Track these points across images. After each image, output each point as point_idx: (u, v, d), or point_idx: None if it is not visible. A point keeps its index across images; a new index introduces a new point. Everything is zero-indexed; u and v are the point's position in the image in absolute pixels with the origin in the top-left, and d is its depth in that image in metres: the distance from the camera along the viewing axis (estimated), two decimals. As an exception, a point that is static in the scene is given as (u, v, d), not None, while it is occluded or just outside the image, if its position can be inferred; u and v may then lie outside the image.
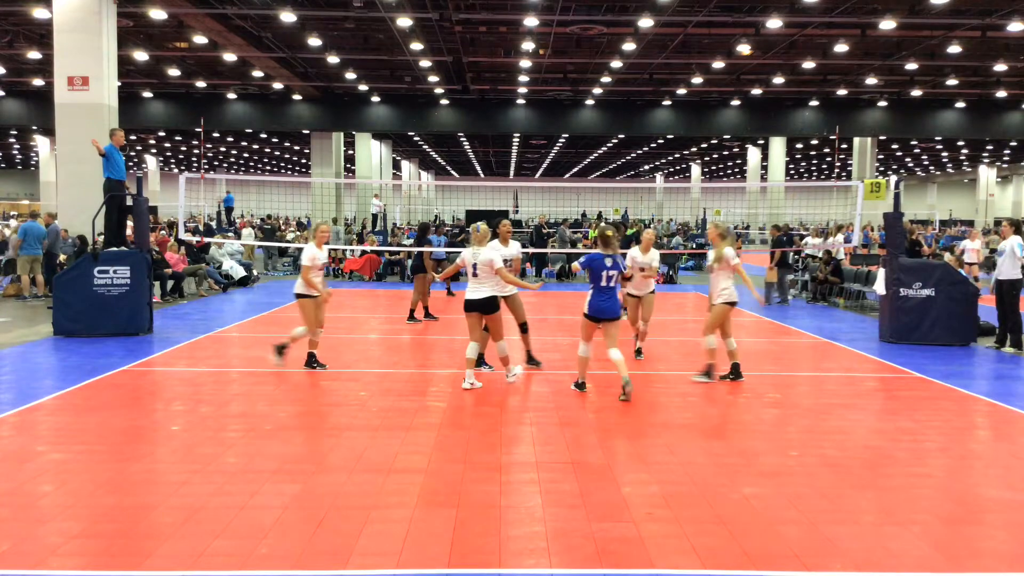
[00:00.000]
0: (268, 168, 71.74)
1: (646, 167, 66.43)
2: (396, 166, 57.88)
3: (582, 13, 20.57)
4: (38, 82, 29.14)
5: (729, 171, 68.16)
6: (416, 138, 46.02)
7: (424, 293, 14.03)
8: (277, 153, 59.45)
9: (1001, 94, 30.44)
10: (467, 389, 8.56)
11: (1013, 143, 44.25)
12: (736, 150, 49.70)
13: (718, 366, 9.20)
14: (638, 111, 33.35)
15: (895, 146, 49.58)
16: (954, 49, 22.95)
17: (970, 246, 21.02)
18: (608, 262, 8.23)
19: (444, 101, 32.57)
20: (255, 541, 4.62)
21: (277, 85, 30.23)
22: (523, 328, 9.81)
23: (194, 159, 62.37)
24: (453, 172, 74.49)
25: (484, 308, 8.67)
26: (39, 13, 19.65)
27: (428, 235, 15.80)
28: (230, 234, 29.21)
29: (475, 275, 8.70)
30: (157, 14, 19.70)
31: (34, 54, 24.54)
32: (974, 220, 58.25)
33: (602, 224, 8.21)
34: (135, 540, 4.66)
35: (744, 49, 23.47)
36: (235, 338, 12.37)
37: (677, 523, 4.98)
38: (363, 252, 23.06)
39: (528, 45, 23.34)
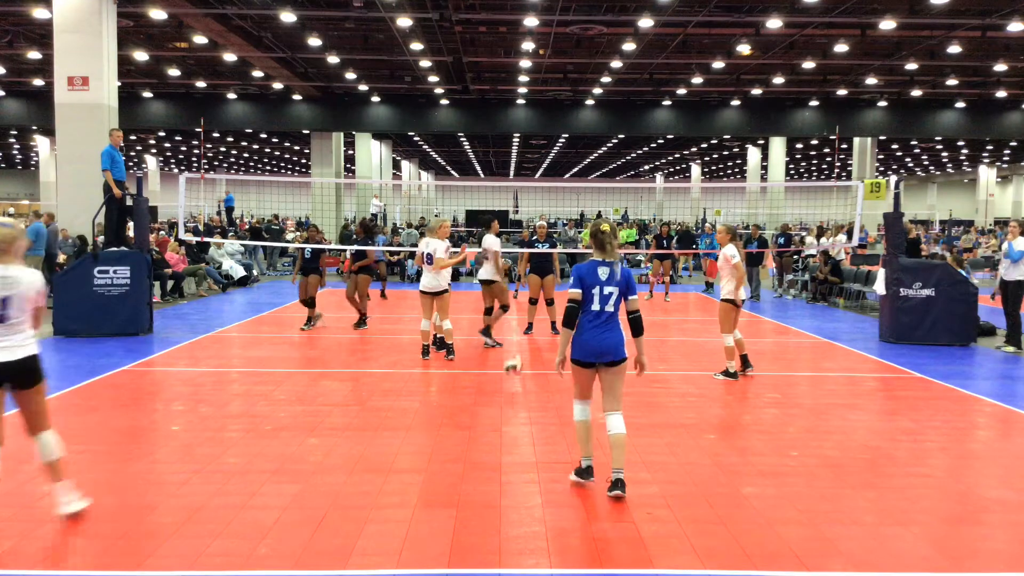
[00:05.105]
0: (268, 168, 71.73)
1: (646, 167, 66.41)
2: (396, 166, 57.85)
3: (582, 13, 20.56)
4: (38, 82, 29.12)
5: (729, 171, 68.13)
6: (416, 138, 46.00)
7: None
8: (277, 153, 59.44)
9: (1001, 94, 30.43)
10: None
11: (1013, 143, 44.21)
12: (736, 150, 49.67)
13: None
14: (638, 111, 33.33)
15: (895, 146, 49.56)
16: (954, 49, 22.94)
17: None
18: (603, 273, 5.51)
19: (444, 101, 32.55)
20: (255, 541, 4.62)
21: (277, 85, 30.22)
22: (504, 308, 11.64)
23: (194, 159, 62.35)
24: (453, 172, 74.48)
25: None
26: (39, 13, 19.64)
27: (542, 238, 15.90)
28: (231, 234, 29.22)
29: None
30: (157, 14, 19.69)
31: (34, 54, 24.53)
32: (974, 220, 58.23)
33: (596, 220, 6.65)
34: (135, 540, 4.66)
35: (744, 49, 23.46)
36: (235, 338, 12.37)
37: (677, 523, 4.98)
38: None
39: (528, 45, 23.33)
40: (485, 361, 10.48)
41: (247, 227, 33.21)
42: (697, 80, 28.35)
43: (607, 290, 5.47)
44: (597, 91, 30.88)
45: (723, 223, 9.95)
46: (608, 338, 5.46)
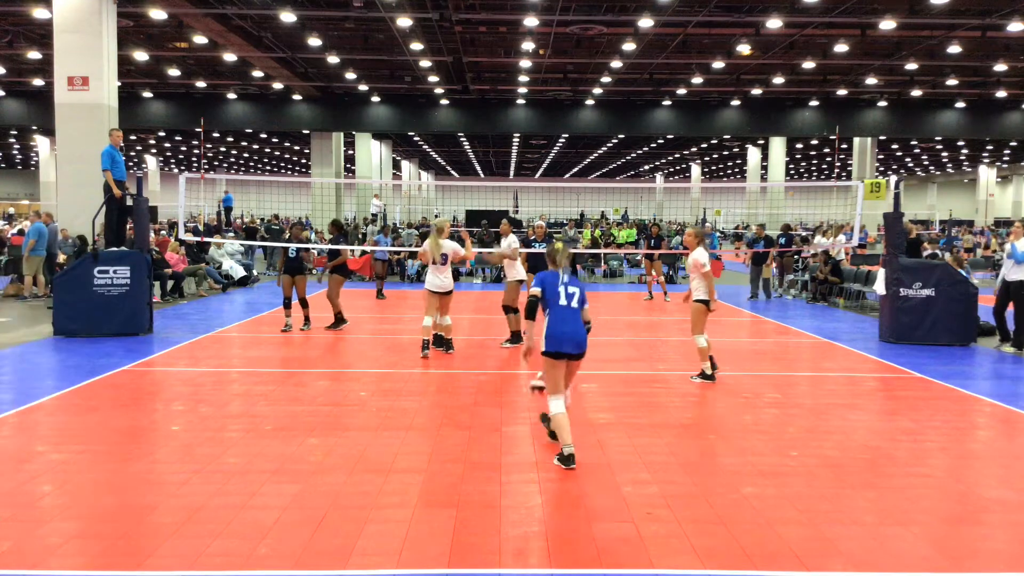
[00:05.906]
0: (268, 168, 71.75)
1: (646, 167, 66.45)
2: (396, 166, 57.86)
3: (582, 13, 20.57)
4: (38, 82, 29.14)
5: (729, 171, 68.18)
6: (416, 138, 46.03)
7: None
8: (277, 153, 59.46)
9: (1001, 94, 30.45)
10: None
11: (1013, 143, 44.25)
12: (736, 150, 49.70)
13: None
14: (638, 111, 33.35)
15: (895, 146, 49.59)
16: (954, 49, 22.95)
17: None
18: (563, 277, 6.30)
19: (444, 101, 32.57)
20: (255, 541, 4.62)
21: (277, 85, 30.23)
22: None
23: (194, 159, 62.38)
24: (453, 172, 74.50)
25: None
26: (39, 13, 19.66)
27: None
28: (230, 234, 29.23)
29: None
30: (157, 14, 19.71)
31: (34, 54, 24.55)
32: (974, 220, 58.21)
33: (554, 240, 7.84)
34: (135, 540, 4.66)
35: (744, 49, 23.47)
36: (235, 338, 12.37)
37: (677, 523, 4.98)
38: (363, 252, 23.05)
39: (528, 45, 23.34)
40: (485, 361, 10.49)
41: (242, 227, 33.14)
42: (697, 80, 28.37)
43: (571, 289, 6.27)
44: (597, 91, 30.90)
45: (692, 228, 9.95)
46: (579, 329, 6.18)
